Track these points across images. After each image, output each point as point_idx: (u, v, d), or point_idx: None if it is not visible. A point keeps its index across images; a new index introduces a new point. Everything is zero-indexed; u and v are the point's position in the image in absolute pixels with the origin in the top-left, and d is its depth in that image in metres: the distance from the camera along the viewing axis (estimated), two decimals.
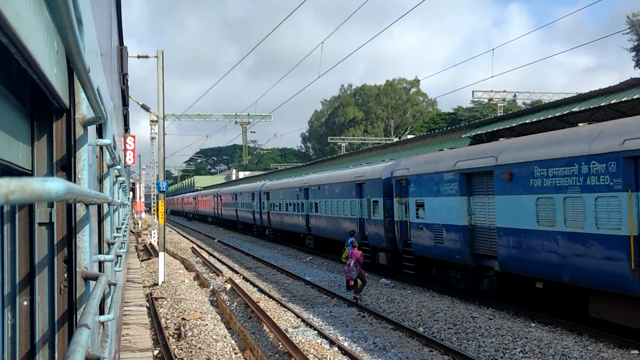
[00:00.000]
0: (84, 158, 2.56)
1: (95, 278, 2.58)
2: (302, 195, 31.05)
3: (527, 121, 22.45)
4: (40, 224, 2.48)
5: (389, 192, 20.41)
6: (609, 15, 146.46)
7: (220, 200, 58.25)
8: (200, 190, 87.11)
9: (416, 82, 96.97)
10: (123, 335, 11.17)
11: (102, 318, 3.07)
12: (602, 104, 18.37)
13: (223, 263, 27.78)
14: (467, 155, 16.07)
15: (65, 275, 2.51)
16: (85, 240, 2.58)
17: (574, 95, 23.95)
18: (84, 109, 2.59)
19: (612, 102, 17.92)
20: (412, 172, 18.73)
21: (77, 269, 2.52)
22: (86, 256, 2.58)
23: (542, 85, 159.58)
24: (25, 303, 2.40)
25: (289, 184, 34.56)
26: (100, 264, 3.75)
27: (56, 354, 2.45)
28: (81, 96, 2.56)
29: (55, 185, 0.91)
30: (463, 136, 28.39)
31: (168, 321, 15.39)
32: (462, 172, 15.89)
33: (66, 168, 2.52)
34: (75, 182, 2.51)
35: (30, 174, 2.38)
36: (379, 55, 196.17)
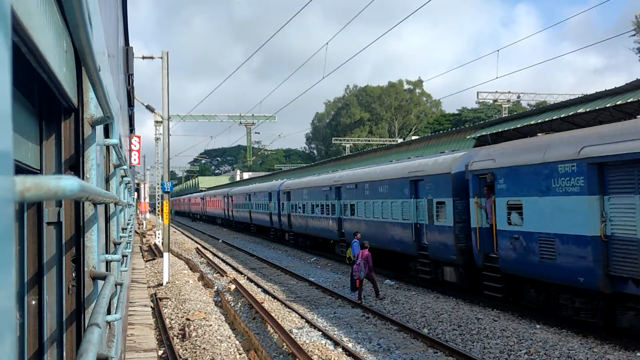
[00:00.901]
0: (92, 158, 2.57)
1: (104, 278, 2.58)
2: (332, 195, 26.65)
3: (532, 122, 22.40)
4: (49, 224, 2.48)
5: (461, 190, 16.27)
6: (619, 16, 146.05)
7: (232, 200, 53.55)
8: (206, 190, 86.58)
9: (419, 82, 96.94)
10: (128, 336, 11.19)
11: (109, 318, 3.08)
12: (607, 105, 18.32)
13: (227, 264, 27.80)
14: (599, 137, 11.82)
15: (74, 275, 2.52)
16: (93, 239, 2.59)
17: (580, 96, 23.91)
18: (92, 109, 2.60)
19: (618, 103, 17.86)
20: (501, 164, 14.43)
21: (85, 269, 2.53)
22: (94, 256, 2.58)
23: (550, 85, 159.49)
24: (33, 302, 2.40)
25: (315, 183, 30.03)
26: (107, 263, 3.76)
27: (64, 353, 2.46)
28: (89, 96, 2.57)
29: (70, 183, 0.91)
30: (468, 137, 28.37)
31: (172, 321, 15.41)
32: (591, 161, 11.63)
33: (74, 167, 2.52)
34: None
35: (38, 173, 2.38)
36: (388, 55, 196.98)
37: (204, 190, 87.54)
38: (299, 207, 32.12)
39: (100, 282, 2.64)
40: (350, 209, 24.52)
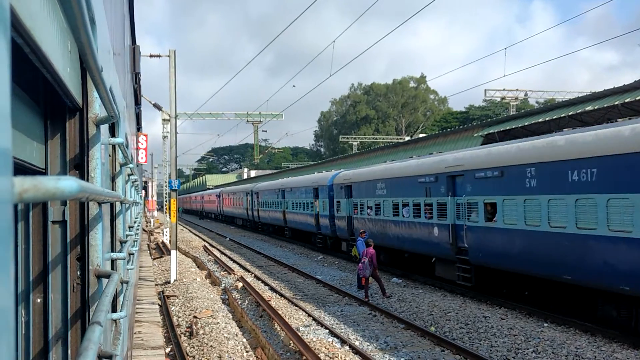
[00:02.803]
0: (97, 157, 2.58)
1: (108, 276, 2.60)
2: (441, 189, 17.47)
3: (539, 120, 22.32)
4: (54, 222, 2.50)
5: None
6: (638, 11, 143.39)
7: (257, 198, 44.88)
8: (213, 188, 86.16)
9: (423, 79, 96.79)
10: (135, 333, 11.24)
11: (115, 316, 3.09)
12: (616, 103, 18.22)
13: (234, 261, 27.88)
14: None
15: (78, 273, 2.53)
16: (97, 238, 2.60)
17: (588, 93, 23.78)
18: (96, 108, 2.61)
19: (627, 100, 17.75)
20: None
21: (90, 267, 2.55)
22: (99, 254, 2.59)
23: (565, 82, 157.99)
24: (38, 300, 2.42)
25: (403, 171, 20.39)
26: (113, 262, 3.78)
27: (69, 351, 2.48)
28: (94, 95, 2.58)
29: (69, 184, 0.91)
30: (475, 135, 28.31)
31: (180, 319, 15.48)
32: None
33: (79, 167, 2.54)
34: (88, 180, 2.53)
35: (43, 172, 2.40)
36: (404, 52, 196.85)
37: (211, 188, 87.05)
38: (369, 207, 23.06)
39: (105, 281, 2.65)
40: (487, 212, 15.46)
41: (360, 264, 17.25)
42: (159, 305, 16.15)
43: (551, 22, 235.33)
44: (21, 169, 2.05)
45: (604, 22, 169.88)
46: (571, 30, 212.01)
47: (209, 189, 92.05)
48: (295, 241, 34.86)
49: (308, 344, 11.71)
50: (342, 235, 26.65)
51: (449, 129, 42.62)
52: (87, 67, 2.00)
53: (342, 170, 29.68)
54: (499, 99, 51.73)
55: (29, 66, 1.97)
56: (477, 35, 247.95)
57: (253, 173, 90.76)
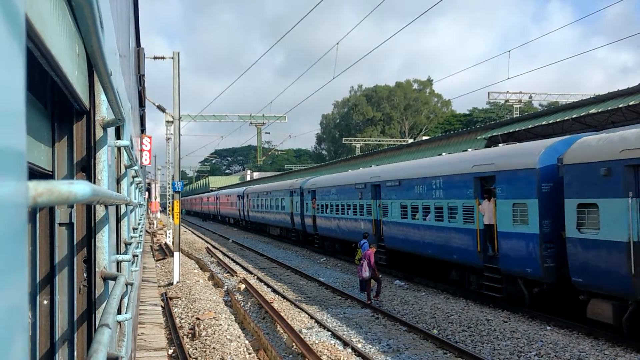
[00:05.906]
0: (104, 159, 2.59)
1: (114, 278, 2.61)
2: None
3: (543, 122, 22.29)
4: (61, 225, 2.51)
5: None
6: None
7: (313, 199, 30.77)
8: (217, 189, 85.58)
9: (429, 82, 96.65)
10: (138, 335, 11.26)
11: (120, 317, 3.10)
12: (620, 106, 18.17)
13: (237, 263, 27.87)
14: None
15: (85, 275, 2.54)
16: (104, 240, 2.61)
17: (593, 96, 23.75)
18: (103, 111, 2.62)
19: (631, 103, 17.72)
20: None
21: (97, 269, 2.56)
22: (105, 256, 2.61)
23: (577, 84, 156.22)
24: (45, 302, 2.43)
25: None
26: (118, 263, 3.79)
27: (75, 353, 2.49)
28: (101, 98, 2.60)
29: (81, 187, 0.92)
30: (479, 137, 28.26)
31: (182, 321, 15.49)
32: None
33: (86, 169, 2.55)
34: (95, 183, 2.54)
35: (50, 174, 2.41)
36: (419, 53, 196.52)
37: (214, 190, 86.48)
38: None
39: (111, 283, 2.66)
40: None
41: (359, 267, 17.23)
42: (161, 306, 16.17)
43: (568, 22, 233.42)
44: (28, 171, 2.06)
45: (623, 20, 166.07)
46: (588, 30, 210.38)
47: (212, 190, 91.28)
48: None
49: (310, 346, 11.71)
50: (606, 288, 11.52)
51: (452, 132, 42.53)
52: (96, 71, 2.02)
53: (583, 133, 14.25)
54: (502, 102, 51.68)
55: (37, 69, 1.98)
56: (493, 35, 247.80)
57: (256, 175, 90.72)
